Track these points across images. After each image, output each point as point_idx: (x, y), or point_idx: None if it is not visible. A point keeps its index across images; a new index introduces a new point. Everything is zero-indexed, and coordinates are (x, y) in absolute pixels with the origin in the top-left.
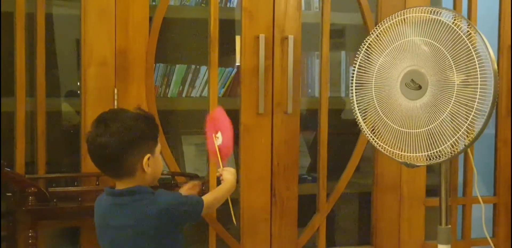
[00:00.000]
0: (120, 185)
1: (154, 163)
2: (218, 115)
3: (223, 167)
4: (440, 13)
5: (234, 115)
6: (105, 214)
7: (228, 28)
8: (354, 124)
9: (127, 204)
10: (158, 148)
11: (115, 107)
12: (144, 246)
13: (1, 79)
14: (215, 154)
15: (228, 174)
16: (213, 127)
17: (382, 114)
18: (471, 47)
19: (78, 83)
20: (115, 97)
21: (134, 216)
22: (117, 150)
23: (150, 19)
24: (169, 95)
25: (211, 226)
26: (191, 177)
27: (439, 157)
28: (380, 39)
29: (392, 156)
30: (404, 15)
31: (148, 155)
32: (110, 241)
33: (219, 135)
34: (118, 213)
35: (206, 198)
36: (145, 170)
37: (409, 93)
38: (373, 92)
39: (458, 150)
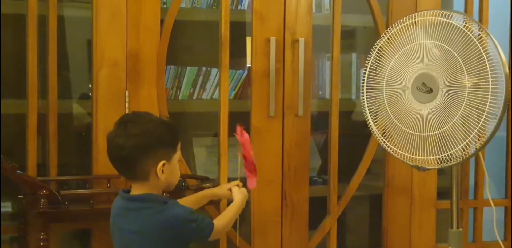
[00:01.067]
0: (135, 188)
1: (169, 170)
2: (244, 138)
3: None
4: (451, 16)
5: (245, 118)
6: (117, 216)
7: (239, 31)
8: (364, 126)
9: (137, 210)
10: (176, 156)
11: (126, 109)
12: None
13: (12, 82)
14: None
15: (239, 194)
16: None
17: (393, 117)
18: (482, 50)
19: (90, 85)
20: (127, 99)
21: (142, 223)
22: (132, 153)
23: (162, 21)
24: (180, 98)
25: None
26: (202, 179)
27: (450, 160)
28: (391, 42)
29: (403, 159)
30: (415, 18)
31: (164, 162)
32: (119, 243)
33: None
34: (127, 217)
35: (218, 223)
36: (159, 176)
37: (420, 96)
38: (384, 95)
39: (470, 153)
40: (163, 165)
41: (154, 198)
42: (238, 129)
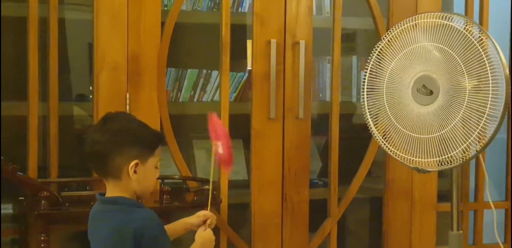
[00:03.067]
0: (109, 190)
1: (143, 173)
2: (214, 122)
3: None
4: (452, 18)
5: (245, 120)
6: (92, 219)
7: (240, 33)
8: (365, 128)
9: (108, 213)
10: (152, 160)
11: (127, 111)
12: None
13: (13, 84)
14: (220, 162)
15: (200, 239)
16: (214, 134)
17: (393, 120)
18: (482, 52)
19: (90, 88)
20: (127, 101)
21: (112, 226)
22: (104, 148)
23: (162, 24)
24: (180, 100)
25: (222, 230)
26: (202, 181)
27: (451, 162)
28: (391, 44)
29: (404, 161)
30: (415, 21)
31: (136, 161)
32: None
33: (219, 143)
34: (100, 220)
35: None
36: (131, 175)
37: (420, 98)
38: (385, 98)
39: (470, 155)
40: (136, 164)
41: (125, 200)
42: (212, 116)
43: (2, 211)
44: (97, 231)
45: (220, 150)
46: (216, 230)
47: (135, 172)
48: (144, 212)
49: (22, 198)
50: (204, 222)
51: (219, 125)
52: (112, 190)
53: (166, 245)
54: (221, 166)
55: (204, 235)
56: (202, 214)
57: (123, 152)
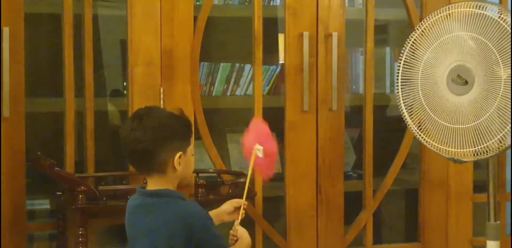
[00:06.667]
0: (151, 183)
1: (185, 162)
2: (258, 125)
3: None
4: (486, 7)
5: (279, 113)
6: (133, 213)
7: (272, 26)
8: (399, 120)
9: (154, 205)
10: (190, 149)
11: (162, 106)
12: None
13: (49, 81)
14: (258, 167)
15: (244, 240)
16: (254, 138)
17: (428, 110)
18: None
19: (124, 83)
20: (161, 96)
21: (162, 218)
22: (150, 145)
23: (195, 18)
24: (214, 94)
25: (257, 223)
26: (237, 174)
27: (487, 152)
28: (425, 35)
29: (439, 152)
30: (449, 10)
31: (180, 153)
32: (135, 241)
33: (261, 148)
34: (146, 213)
35: None
36: (176, 168)
37: (455, 88)
38: (419, 88)
39: (506, 145)
40: (180, 156)
41: (173, 193)
42: (257, 120)
43: (40, 207)
44: (142, 224)
45: (260, 155)
46: (251, 224)
47: (179, 163)
48: (192, 204)
49: (60, 193)
50: (236, 209)
51: (264, 129)
52: (155, 183)
53: (216, 233)
54: (258, 171)
55: (245, 236)
56: (234, 200)
57: (166, 146)
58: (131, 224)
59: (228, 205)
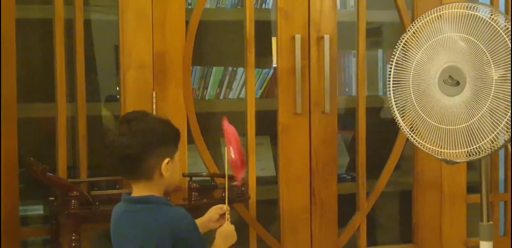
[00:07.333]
0: (136, 190)
1: (172, 168)
2: (225, 127)
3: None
4: (477, 8)
5: (272, 116)
6: (118, 220)
7: (264, 29)
8: (392, 122)
9: (140, 212)
10: (177, 155)
11: (154, 110)
12: None
13: (41, 86)
14: (233, 167)
15: (219, 237)
16: (227, 139)
17: (420, 112)
18: (509, 42)
19: (117, 88)
20: (154, 100)
21: (147, 225)
22: (138, 151)
23: (187, 22)
24: (206, 98)
25: (251, 226)
26: (230, 178)
27: (479, 153)
28: (416, 36)
29: (432, 153)
30: (440, 11)
31: (168, 159)
32: None
33: (231, 148)
34: (129, 220)
35: None
36: (163, 174)
37: (447, 89)
38: (411, 90)
39: (498, 146)
40: (167, 162)
41: (157, 199)
42: (224, 122)
43: (33, 212)
44: (128, 231)
45: (232, 155)
46: (245, 227)
47: (167, 170)
48: (178, 210)
49: (53, 198)
50: (221, 215)
51: (230, 129)
52: (141, 190)
53: (200, 237)
54: (233, 170)
55: (223, 230)
56: (218, 206)
57: (155, 152)
58: (116, 231)
59: (212, 213)
